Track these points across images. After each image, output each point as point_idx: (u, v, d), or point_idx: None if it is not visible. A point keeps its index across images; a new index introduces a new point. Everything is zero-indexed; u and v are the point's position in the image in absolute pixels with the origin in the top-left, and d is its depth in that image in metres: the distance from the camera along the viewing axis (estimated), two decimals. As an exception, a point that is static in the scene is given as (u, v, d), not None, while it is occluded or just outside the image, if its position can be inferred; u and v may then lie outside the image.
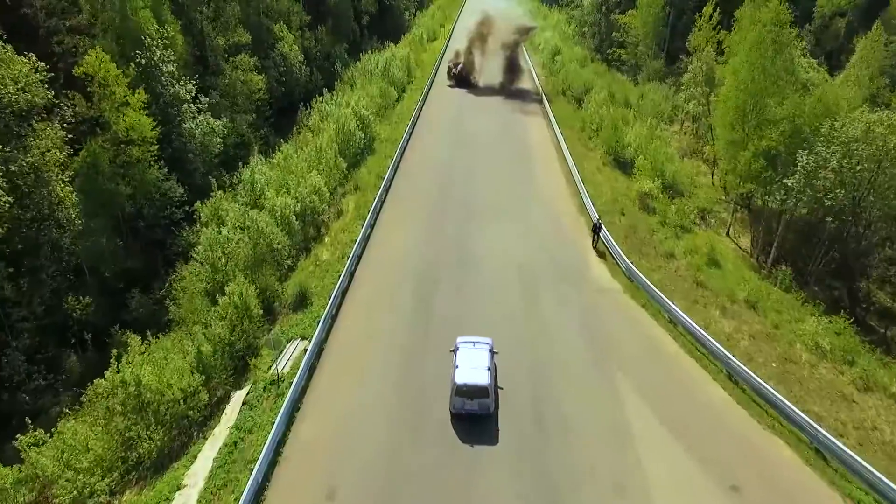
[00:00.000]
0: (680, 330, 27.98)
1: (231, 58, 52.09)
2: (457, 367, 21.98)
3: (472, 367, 21.80)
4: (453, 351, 23.27)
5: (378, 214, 39.78)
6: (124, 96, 32.68)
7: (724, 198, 45.83)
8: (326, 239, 37.12)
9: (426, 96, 67.73)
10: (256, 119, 53.50)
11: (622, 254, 33.68)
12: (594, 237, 35.36)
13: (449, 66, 76.10)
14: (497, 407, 22.34)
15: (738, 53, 38.29)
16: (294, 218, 35.52)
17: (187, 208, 36.17)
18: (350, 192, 43.56)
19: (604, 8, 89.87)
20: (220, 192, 38.77)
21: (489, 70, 74.17)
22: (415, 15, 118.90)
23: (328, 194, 40.56)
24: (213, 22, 52.10)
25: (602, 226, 35.66)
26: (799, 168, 32.01)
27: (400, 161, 49.00)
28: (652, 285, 30.42)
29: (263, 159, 42.66)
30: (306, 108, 57.46)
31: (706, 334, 26.59)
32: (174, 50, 41.75)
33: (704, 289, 31.86)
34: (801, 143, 32.92)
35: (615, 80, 72.41)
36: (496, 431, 21.63)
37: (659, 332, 28.01)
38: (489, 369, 21.96)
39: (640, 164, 45.74)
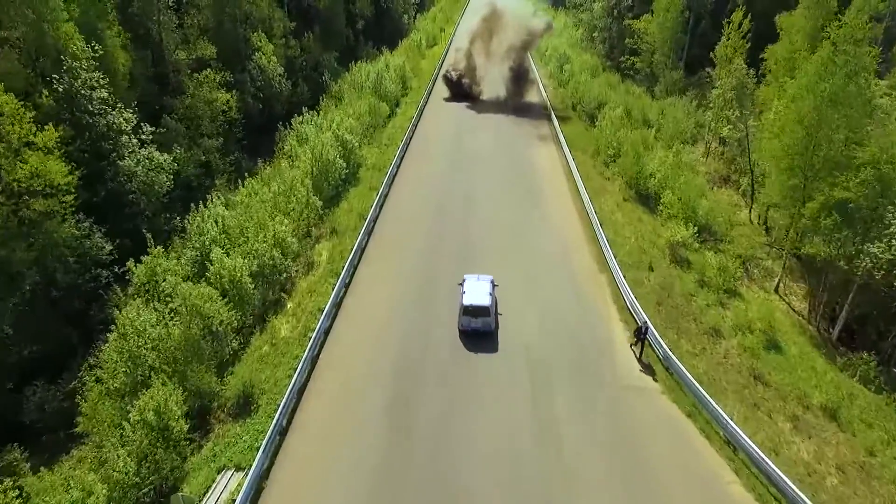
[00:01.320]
0: (741, 457, 20.47)
1: (196, 73, 44.62)
2: (464, 293, 26.40)
3: (476, 293, 26.23)
4: (461, 284, 27.53)
5: (356, 268, 32.33)
6: (27, 135, 25.27)
7: (767, 242, 38.13)
8: (289, 305, 29.67)
9: (421, 112, 60.10)
10: (225, 143, 46.06)
11: (655, 332, 26.14)
12: (638, 342, 25.46)
13: (446, 75, 68.10)
14: (497, 327, 26.32)
15: (798, 76, 30.52)
16: (249, 281, 28.09)
17: (118, 269, 28.81)
18: (325, 236, 36.09)
19: (615, 12, 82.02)
20: (163, 245, 31.67)
21: (492, 80, 66.46)
22: (414, 18, 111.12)
23: (296, 244, 33.12)
24: (175, 32, 44.63)
25: (650, 328, 25.85)
26: (893, 230, 24.42)
27: (387, 195, 41.50)
28: (699, 385, 22.91)
29: (222, 199, 35.22)
30: (286, 127, 49.94)
31: (779, 471, 19.07)
32: (115, 68, 34.39)
33: (765, 385, 24.29)
34: (892, 196, 25.33)
35: (630, 93, 64.62)
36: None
37: (714, 462, 20.48)
38: (490, 294, 26.49)
39: (668, 201, 38.16)
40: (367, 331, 27.10)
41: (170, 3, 46.45)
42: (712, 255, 33.97)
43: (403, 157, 48.40)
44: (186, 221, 32.87)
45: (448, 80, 66.94)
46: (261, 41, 54.37)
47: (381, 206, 39.82)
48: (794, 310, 33.04)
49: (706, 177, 48.17)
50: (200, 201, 34.33)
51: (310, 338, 25.64)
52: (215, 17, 51.96)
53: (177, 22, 44.42)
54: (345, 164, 41.74)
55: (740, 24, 54.23)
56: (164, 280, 27.20)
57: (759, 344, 26.37)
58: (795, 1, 73.61)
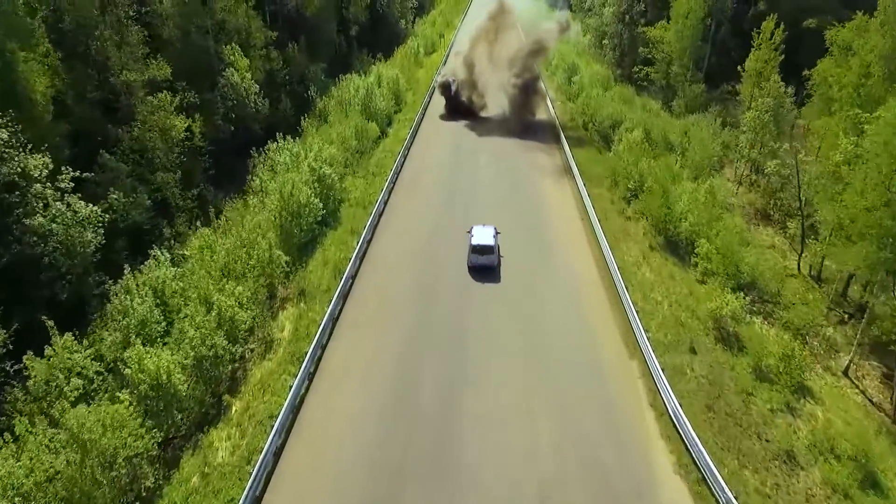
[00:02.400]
0: None
1: (153, 95, 37.67)
2: (472, 237, 31.19)
3: (482, 236, 31.09)
4: (468, 231, 32.05)
5: (323, 351, 25.48)
6: None
7: (842, 312, 31.03)
8: (234, 409, 22.79)
9: (416, 132, 53.11)
10: (188, 175, 39.16)
11: (706, 455, 19.24)
12: None
13: (443, 84, 60.47)
14: (499, 263, 30.77)
15: (886, 115, 23.37)
16: (181, 381, 21.26)
17: (11, 365, 21.93)
18: (292, 299, 29.22)
19: (627, 17, 74.79)
20: (94, 316, 25.10)
21: (495, 94, 59.25)
22: (413, 22, 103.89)
23: (252, 315, 26.25)
24: (127, 48, 37.67)
25: None
26: None
27: (371, 240, 34.62)
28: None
29: (167, 255, 28.35)
30: (261, 154, 42.90)
31: None
32: (32, 98, 27.55)
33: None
34: None
35: (647, 110, 57.52)
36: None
37: None
38: (494, 237, 31.17)
39: (705, 252, 31.23)
40: (332, 456, 20.24)
41: (129, 13, 39.65)
42: (767, 329, 27.06)
43: (392, 189, 41.44)
44: (119, 286, 26.03)
45: (445, 91, 59.65)
46: (234, 54, 47.37)
47: (363, 256, 32.93)
48: (868, 398, 26.03)
49: (740, 211, 41.13)
50: (152, 250, 27.76)
51: (252, 468, 18.83)
52: (180, 27, 44.96)
53: (131, 36, 37.42)
54: (321, 206, 34.79)
55: (772, 34, 47.16)
56: (69, 383, 20.44)
57: (852, 478, 19.42)
58: (826, 5, 67.09)
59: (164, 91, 39.53)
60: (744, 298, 28.00)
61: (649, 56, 66.73)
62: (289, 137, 43.43)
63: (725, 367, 24.64)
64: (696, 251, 32.10)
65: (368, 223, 35.36)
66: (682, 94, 59.06)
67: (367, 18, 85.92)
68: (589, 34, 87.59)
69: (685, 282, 30.79)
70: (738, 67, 50.31)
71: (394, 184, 42.27)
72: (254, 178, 38.37)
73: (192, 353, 22.18)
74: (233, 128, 45.99)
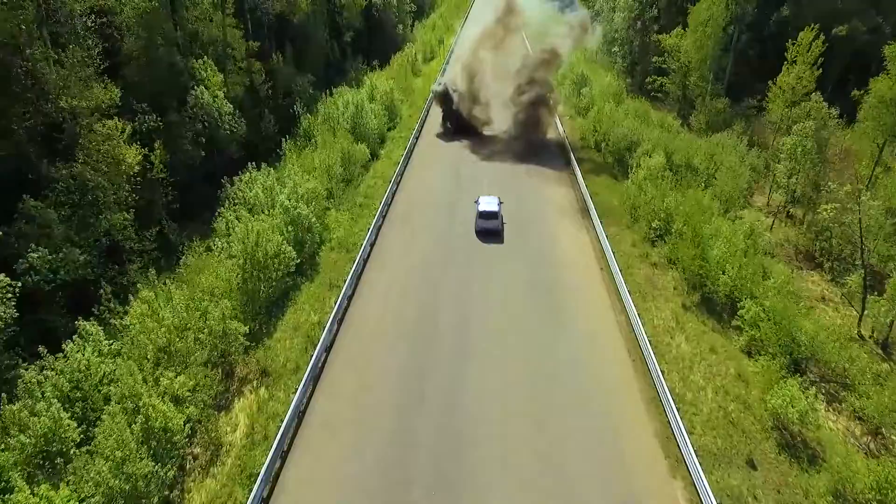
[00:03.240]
0: None
1: (101, 122, 31.90)
2: (478, 205, 34.58)
3: (488, 203, 34.51)
4: (476, 202, 35.21)
5: (283, 464, 19.77)
6: None
7: None
8: (157, 561, 17.12)
9: (411, 153, 47.33)
10: (145, 213, 33.49)
11: None
12: None
13: (441, 95, 54.00)
14: (503, 228, 34.20)
15: None
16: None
17: None
18: (251, 381, 23.53)
19: (638, 24, 68.84)
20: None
21: (499, 108, 53.31)
22: (412, 27, 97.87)
23: (192, 415, 20.55)
24: (73, 68, 31.86)
25: None
26: None
27: (353, 296, 28.88)
28: None
29: (96, 326, 22.71)
30: (231, 185, 37.06)
31: None
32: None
33: None
34: None
35: (665, 128, 51.51)
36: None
37: None
38: (498, 205, 34.57)
39: (752, 317, 25.48)
40: None
41: (78, 26, 33.96)
42: (835, 419, 21.29)
43: (381, 227, 35.66)
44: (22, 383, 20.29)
45: (444, 102, 53.49)
46: (206, 70, 41.55)
47: (342, 316, 27.19)
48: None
49: (779, 250, 35.29)
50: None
51: None
52: (144, 40, 39.15)
53: (71, 55, 31.59)
54: (295, 255, 29.03)
55: (810, 46, 41.26)
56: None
57: None
58: (857, 9, 61.03)
59: (116, 117, 33.87)
60: (804, 387, 22.24)
61: (663, 66, 60.83)
62: (264, 166, 37.61)
63: (796, 489, 18.88)
64: (739, 314, 26.32)
65: (350, 274, 29.59)
66: (703, 108, 53.13)
67: (362, 23, 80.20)
68: (597, 41, 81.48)
69: (729, 356, 24.97)
70: (770, 82, 44.39)
71: (383, 219, 36.50)
72: (220, 216, 32.55)
73: (100, 493, 16.45)
74: (203, 153, 40.24)
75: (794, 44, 42.20)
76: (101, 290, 28.28)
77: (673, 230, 31.91)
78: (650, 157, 42.39)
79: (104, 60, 35.32)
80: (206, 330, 23.23)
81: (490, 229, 34.00)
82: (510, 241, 33.57)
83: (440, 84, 55.39)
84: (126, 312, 24.43)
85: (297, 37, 60.80)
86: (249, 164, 35.48)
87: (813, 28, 40.72)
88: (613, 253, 31.34)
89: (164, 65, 40.33)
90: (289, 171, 37.91)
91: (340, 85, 62.37)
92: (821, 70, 41.61)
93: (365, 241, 32.73)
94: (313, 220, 31.59)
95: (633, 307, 26.76)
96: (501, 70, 56.73)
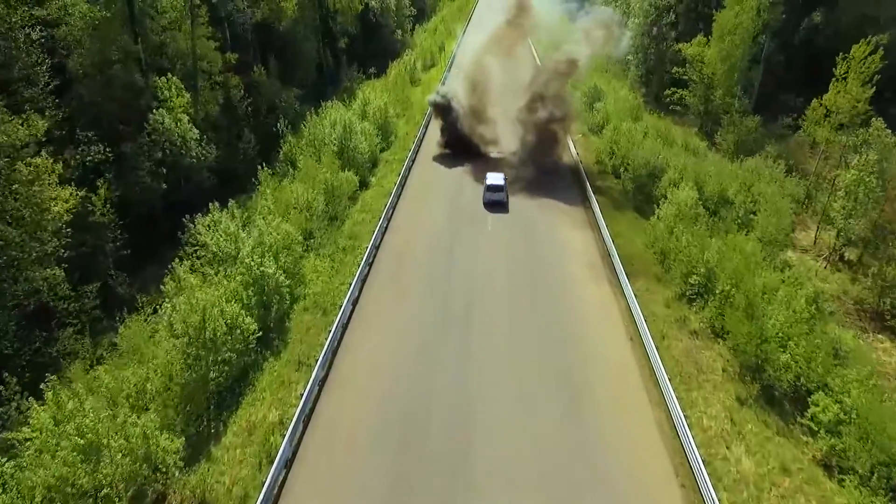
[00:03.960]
0: None
1: (26, 162, 26.06)
2: (486, 180, 37.87)
3: (494, 178, 37.88)
4: (485, 178, 38.29)
5: None
6: None
7: None
8: None
9: (405, 180, 41.36)
10: (84, 267, 27.80)
11: None
12: None
13: (440, 106, 47.70)
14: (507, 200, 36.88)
15: None
16: None
17: None
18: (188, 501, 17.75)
19: (654, 30, 62.64)
20: None
21: (506, 127, 47.25)
22: (412, 31, 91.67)
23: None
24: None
25: None
26: None
27: (326, 379, 23.03)
28: None
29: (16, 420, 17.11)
30: (193, 223, 31.07)
31: None
32: None
33: None
34: None
35: (689, 148, 45.47)
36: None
37: None
38: (504, 180, 37.86)
39: (831, 419, 19.63)
40: None
41: (29, 37, 28.38)
42: None
43: (367, 278, 29.77)
44: None
45: (443, 114, 47.32)
46: (170, 89, 35.69)
47: (311, 413, 21.35)
48: None
49: (835, 303, 29.28)
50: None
51: None
52: (97, 56, 33.32)
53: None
54: (256, 327, 23.21)
55: (864, 59, 35.22)
56: None
57: None
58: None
59: (55, 149, 28.15)
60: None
61: (683, 77, 54.70)
62: (233, 203, 31.71)
63: None
64: (810, 412, 20.45)
65: (325, 348, 23.75)
66: (731, 127, 46.98)
67: (357, 29, 74.24)
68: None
69: (807, 477, 19.03)
70: (816, 100, 38.24)
71: (369, 267, 30.60)
72: (170, 274, 26.57)
73: None
74: (165, 185, 34.43)
75: (844, 58, 36.04)
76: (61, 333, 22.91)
77: (716, 290, 25.88)
78: (677, 187, 36.48)
79: (49, 80, 29.84)
80: (125, 450, 17.41)
81: (496, 201, 37.18)
82: (520, 305, 27.59)
83: (439, 94, 48.86)
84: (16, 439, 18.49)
85: (283, 46, 54.95)
86: (212, 203, 29.41)
87: (870, 43, 34.57)
88: (645, 320, 25.38)
89: (121, 84, 34.54)
90: (261, 208, 32.05)
91: (332, 98, 56.63)
92: (873, 88, 35.60)
93: (346, 300, 26.87)
94: (282, 278, 25.65)
95: (676, 402, 20.85)
96: (510, 81, 50.76)
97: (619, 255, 30.90)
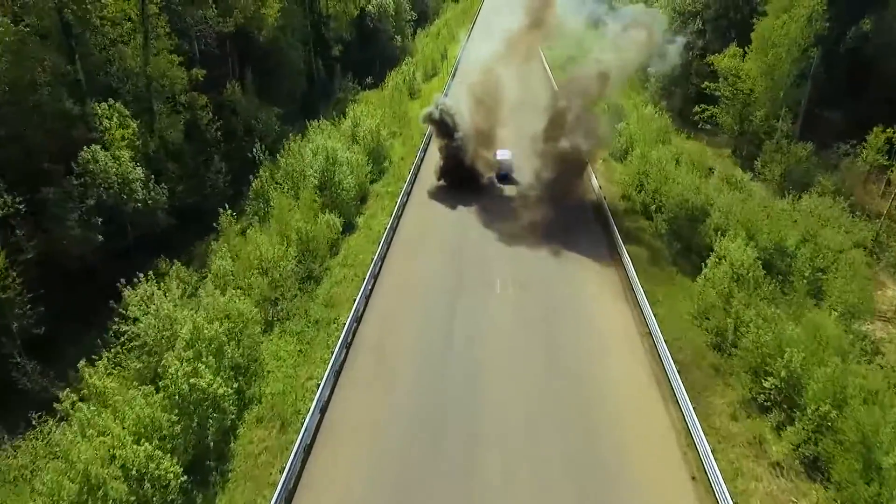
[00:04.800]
0: None
1: None
2: (496, 155, 38.22)
3: (503, 154, 38.12)
4: (494, 154, 38.51)
5: None
6: None
7: None
8: None
9: (398, 221, 34.34)
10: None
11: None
12: None
13: (439, 122, 39.98)
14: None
15: None
16: None
17: None
18: None
19: (678, 39, 55.23)
20: None
21: (517, 154, 40.10)
22: (413, 35, 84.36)
23: None
24: None
25: None
26: None
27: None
28: None
29: None
30: (133, 285, 24.09)
31: None
32: None
33: None
34: None
35: (730, 181, 38.26)
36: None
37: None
38: (511, 155, 38.13)
39: None
40: None
41: None
42: None
43: (342, 367, 22.84)
44: None
45: (442, 132, 40.12)
46: (110, 118, 28.80)
47: None
48: None
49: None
50: None
51: None
52: (16, 79, 26.46)
53: None
54: (180, 470, 16.35)
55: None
56: None
57: None
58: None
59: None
60: None
61: (715, 92, 47.52)
62: (176, 268, 24.83)
63: None
64: None
65: (279, 489, 16.89)
66: (778, 156, 39.79)
67: (353, 35, 67.16)
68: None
69: None
70: (879, 129, 31.16)
71: (347, 351, 23.66)
72: (90, 367, 19.67)
73: None
74: (101, 237, 27.52)
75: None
76: None
77: (806, 406, 18.83)
78: (724, 234, 29.48)
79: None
80: None
81: (504, 174, 37.69)
82: (536, 418, 20.63)
83: (438, 107, 40.83)
84: None
85: (265, 56, 47.93)
86: (140, 277, 22.39)
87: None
88: (706, 437, 18.38)
89: (48, 113, 27.65)
90: (216, 270, 25.18)
91: (322, 113, 49.77)
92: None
93: (312, 406, 19.98)
94: (223, 389, 18.74)
95: None
96: (523, 94, 43.47)
97: (662, 331, 23.92)
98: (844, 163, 39.45)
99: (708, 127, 49.33)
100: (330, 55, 62.51)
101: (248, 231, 29.93)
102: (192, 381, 17.88)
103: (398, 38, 74.88)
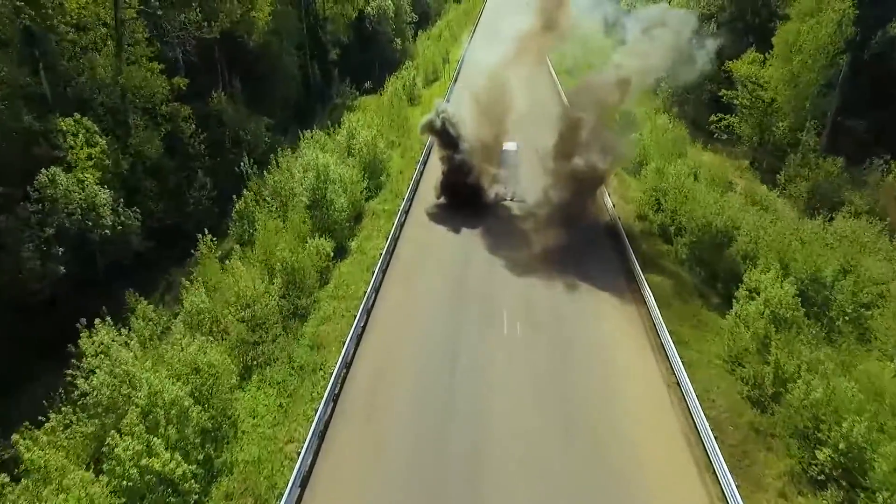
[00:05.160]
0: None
1: None
2: (504, 146, 35.97)
3: (509, 145, 35.68)
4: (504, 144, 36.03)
5: None
6: None
7: None
8: None
9: (395, 244, 31.26)
10: None
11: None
12: None
13: (440, 132, 36.73)
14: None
15: None
16: None
17: None
18: None
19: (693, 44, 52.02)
20: None
21: (525, 167, 37.00)
22: (414, 38, 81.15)
23: None
24: None
25: None
26: None
27: None
28: None
29: None
30: (95, 325, 21.03)
31: None
32: None
33: None
34: None
35: (756, 200, 35.09)
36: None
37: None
38: (517, 146, 35.55)
39: None
40: None
41: None
42: None
43: (330, 422, 19.77)
44: None
45: (443, 141, 36.93)
46: (77, 135, 25.78)
47: None
48: None
49: None
50: None
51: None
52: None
53: None
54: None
55: None
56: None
57: None
58: None
59: None
60: None
61: (733, 101, 44.42)
62: (142, 306, 21.78)
63: None
64: None
65: None
66: (805, 170, 36.64)
67: (351, 38, 64.08)
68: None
69: None
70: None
71: (334, 405, 20.60)
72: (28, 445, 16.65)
73: None
74: (63, 269, 24.50)
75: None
76: None
77: (877, 496, 15.72)
78: (754, 263, 26.46)
79: None
80: None
81: (511, 161, 35.71)
82: (554, 476, 17.58)
83: (438, 113, 37.48)
84: None
85: (257, 61, 44.89)
86: (102, 318, 19.36)
87: None
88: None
89: (4, 130, 24.63)
90: (188, 309, 22.16)
91: (318, 121, 46.81)
92: None
93: (293, 477, 16.95)
94: (182, 469, 15.69)
95: None
96: (531, 100, 40.25)
97: (691, 379, 20.86)
98: (872, 178, 36.30)
99: (724, 137, 46.27)
100: (327, 59, 59.46)
101: (229, 260, 26.83)
102: (143, 462, 14.83)
103: (398, 40, 71.72)
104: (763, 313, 22.71)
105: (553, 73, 61.91)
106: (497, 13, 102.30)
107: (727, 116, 45.01)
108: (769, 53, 42.00)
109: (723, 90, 44.84)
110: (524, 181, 36.18)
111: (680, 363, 21.96)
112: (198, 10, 34.26)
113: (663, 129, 43.22)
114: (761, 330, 22.35)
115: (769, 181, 41.63)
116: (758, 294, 24.66)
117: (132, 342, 19.28)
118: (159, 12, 33.96)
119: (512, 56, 38.88)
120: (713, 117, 45.61)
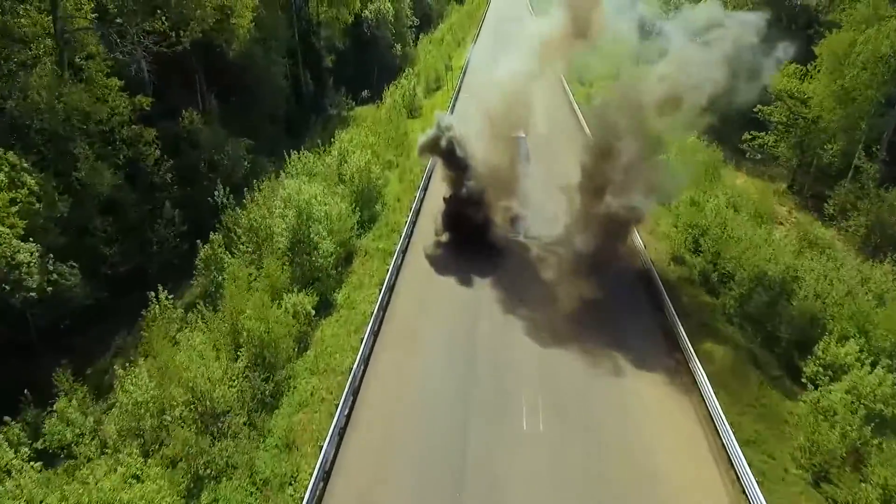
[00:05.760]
0: None
1: None
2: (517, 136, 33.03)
3: (518, 133, 32.42)
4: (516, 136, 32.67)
5: None
6: None
7: None
8: None
9: (388, 300, 25.94)
10: None
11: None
12: None
13: (445, 151, 31.13)
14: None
15: None
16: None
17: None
18: None
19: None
20: None
21: (540, 193, 31.60)
22: (415, 42, 75.76)
23: None
24: None
25: None
26: None
27: None
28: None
29: None
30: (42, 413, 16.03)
31: None
32: None
33: None
34: None
35: (809, 239, 29.74)
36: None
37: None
38: (524, 135, 32.79)
39: None
40: None
41: None
42: None
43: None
44: None
45: (448, 160, 31.24)
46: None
47: None
48: None
49: None
50: None
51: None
52: None
53: None
54: None
55: None
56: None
57: None
58: None
59: None
60: None
61: (769, 118, 39.14)
62: (77, 392, 16.67)
63: None
64: None
65: None
66: (867, 203, 31.35)
67: (347, 44, 58.90)
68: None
69: None
70: None
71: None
72: None
73: None
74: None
75: None
76: None
77: None
78: (823, 330, 21.39)
79: None
80: None
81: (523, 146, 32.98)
82: None
83: (445, 131, 31.57)
84: None
85: (240, 75, 39.66)
86: (25, 405, 14.32)
87: None
88: None
89: None
90: (124, 404, 17.05)
91: (306, 139, 41.68)
92: None
93: None
94: None
95: None
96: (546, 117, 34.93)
97: (766, 500, 15.74)
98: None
99: (758, 157, 41.01)
100: (321, 67, 54.20)
101: (186, 325, 21.70)
102: None
103: (398, 45, 66.38)
104: (855, 410, 17.57)
105: (568, 90, 56.39)
106: (502, 15, 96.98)
107: (761, 134, 39.79)
108: (811, 66, 36.75)
109: (758, 105, 39.51)
110: (535, 204, 30.67)
111: (750, 474, 16.78)
112: (163, 18, 29.00)
113: (692, 150, 37.89)
114: (853, 432, 17.23)
115: (812, 207, 36.49)
116: (832, 371, 19.71)
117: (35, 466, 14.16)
118: (118, 20, 28.85)
119: (533, 67, 32.67)
120: (746, 135, 40.35)
